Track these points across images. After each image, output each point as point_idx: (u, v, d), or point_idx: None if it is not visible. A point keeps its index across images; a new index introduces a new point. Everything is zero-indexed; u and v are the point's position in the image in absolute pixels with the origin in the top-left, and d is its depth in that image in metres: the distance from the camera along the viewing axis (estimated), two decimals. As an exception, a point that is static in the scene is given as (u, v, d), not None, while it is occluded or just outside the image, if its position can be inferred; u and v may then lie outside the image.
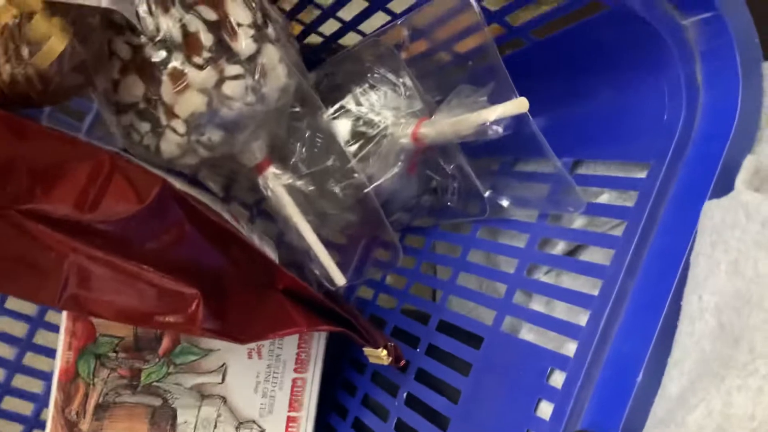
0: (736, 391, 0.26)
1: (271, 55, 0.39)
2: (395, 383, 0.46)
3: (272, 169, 0.43)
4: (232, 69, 0.38)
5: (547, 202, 0.41)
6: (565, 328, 0.35)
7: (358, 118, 0.44)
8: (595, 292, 0.35)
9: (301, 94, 0.43)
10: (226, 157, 0.42)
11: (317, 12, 0.47)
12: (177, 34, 0.36)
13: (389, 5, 0.43)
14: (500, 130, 0.36)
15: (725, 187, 0.31)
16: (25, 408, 0.51)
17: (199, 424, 0.44)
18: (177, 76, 0.37)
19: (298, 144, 0.44)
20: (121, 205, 0.33)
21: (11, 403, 0.50)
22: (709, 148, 0.33)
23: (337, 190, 0.44)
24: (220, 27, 0.37)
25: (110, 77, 0.37)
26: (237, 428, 0.45)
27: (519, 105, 0.35)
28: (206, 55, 0.37)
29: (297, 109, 0.44)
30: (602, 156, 0.40)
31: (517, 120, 0.36)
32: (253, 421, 0.45)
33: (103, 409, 0.42)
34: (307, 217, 0.43)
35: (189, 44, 0.36)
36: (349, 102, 0.44)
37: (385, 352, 0.41)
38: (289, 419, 0.46)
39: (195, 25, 0.36)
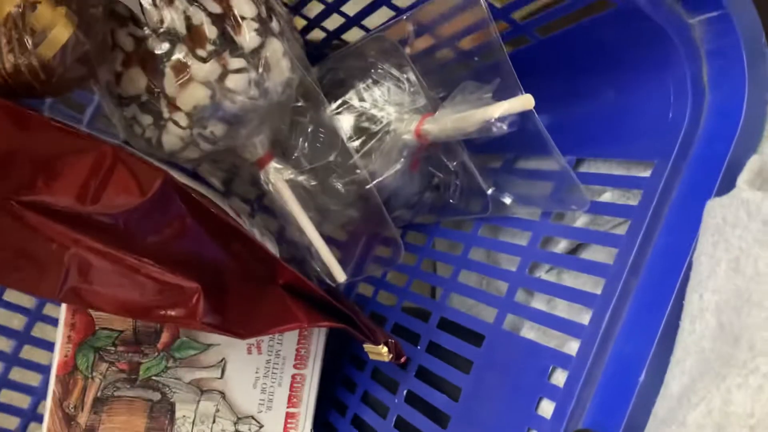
0: (736, 389, 0.26)
1: (275, 48, 0.39)
2: (395, 380, 0.45)
3: (274, 164, 0.43)
4: (236, 62, 0.37)
5: (550, 200, 0.41)
6: (568, 327, 0.35)
7: (361, 114, 0.44)
8: (598, 291, 0.34)
9: (304, 89, 0.43)
10: (228, 151, 0.42)
11: (321, 6, 0.47)
12: (181, 26, 0.36)
13: (394, 0, 0.43)
14: (505, 126, 0.36)
15: (730, 187, 0.31)
16: (23, 401, 0.50)
17: (198, 418, 0.44)
18: (180, 68, 0.36)
19: (301, 139, 0.44)
20: (123, 197, 0.33)
21: (8, 396, 0.50)
22: (714, 148, 0.33)
23: (339, 185, 0.44)
24: (224, 20, 0.37)
25: (113, 69, 0.37)
26: (235, 423, 0.45)
27: (525, 102, 0.35)
28: (210, 47, 0.37)
29: (300, 104, 0.44)
30: (605, 154, 0.40)
31: (522, 117, 0.36)
32: (252, 417, 0.45)
33: (102, 402, 0.42)
34: (309, 213, 0.43)
35: (193, 36, 0.36)
36: (352, 97, 0.44)
37: (385, 348, 0.40)
38: (288, 415, 0.46)
39: (199, 17, 0.36)
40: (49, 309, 0.51)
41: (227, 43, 0.37)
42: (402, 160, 0.44)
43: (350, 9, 0.46)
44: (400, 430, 0.43)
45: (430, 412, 0.41)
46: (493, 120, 0.36)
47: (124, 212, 0.34)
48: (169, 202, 0.35)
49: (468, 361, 0.40)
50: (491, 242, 0.46)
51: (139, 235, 0.35)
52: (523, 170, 0.45)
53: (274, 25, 0.39)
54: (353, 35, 0.48)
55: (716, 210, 0.30)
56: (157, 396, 0.43)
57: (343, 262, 0.44)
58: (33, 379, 0.51)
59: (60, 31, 0.29)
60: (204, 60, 0.37)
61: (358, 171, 0.43)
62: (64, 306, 0.42)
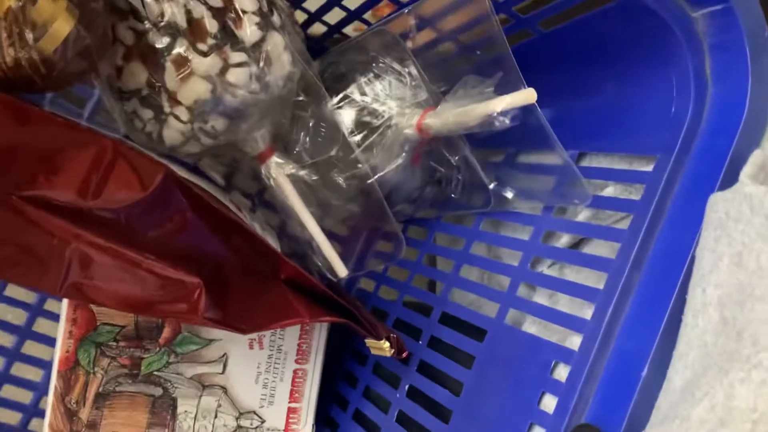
0: (738, 384, 0.26)
1: (276, 42, 0.39)
2: (397, 375, 0.45)
3: (275, 159, 0.43)
4: (237, 56, 0.37)
5: (552, 194, 0.41)
6: (570, 322, 0.35)
7: (362, 108, 0.43)
8: (600, 286, 0.34)
9: (305, 83, 0.43)
10: (229, 145, 0.42)
11: (322, 0, 0.46)
12: (181, 20, 0.36)
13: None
14: (507, 121, 0.36)
15: (733, 181, 0.31)
16: (24, 396, 0.51)
17: (200, 413, 0.44)
18: (181, 62, 0.36)
19: (302, 133, 0.44)
20: (124, 192, 0.33)
21: (10, 392, 0.50)
22: (717, 142, 0.33)
23: (340, 180, 0.44)
24: (225, 13, 0.37)
25: (114, 63, 0.37)
26: (237, 419, 0.45)
27: (527, 96, 0.35)
28: (211, 41, 0.36)
29: (301, 98, 0.43)
30: (608, 149, 0.40)
31: (525, 111, 0.36)
32: (254, 412, 0.45)
33: (103, 398, 0.42)
34: (310, 208, 0.43)
35: (193, 30, 0.36)
36: (353, 91, 0.44)
37: (387, 343, 0.40)
38: (290, 410, 0.46)
39: (200, 11, 0.36)
40: (50, 304, 0.51)
41: (228, 37, 0.37)
42: (403, 154, 0.43)
43: (351, 3, 0.46)
44: (402, 424, 0.43)
45: (432, 406, 0.41)
46: (495, 114, 0.36)
47: (125, 207, 0.33)
48: (171, 196, 0.35)
49: (470, 356, 0.40)
50: (493, 237, 0.46)
51: (140, 230, 0.35)
52: (525, 164, 0.45)
53: (276, 18, 0.39)
54: (354, 29, 0.48)
55: (719, 204, 0.30)
56: (158, 391, 0.43)
57: (344, 257, 0.44)
58: (35, 374, 0.51)
59: (61, 25, 0.29)
60: (205, 54, 0.36)
61: (359, 165, 0.43)
62: (65, 301, 0.42)
